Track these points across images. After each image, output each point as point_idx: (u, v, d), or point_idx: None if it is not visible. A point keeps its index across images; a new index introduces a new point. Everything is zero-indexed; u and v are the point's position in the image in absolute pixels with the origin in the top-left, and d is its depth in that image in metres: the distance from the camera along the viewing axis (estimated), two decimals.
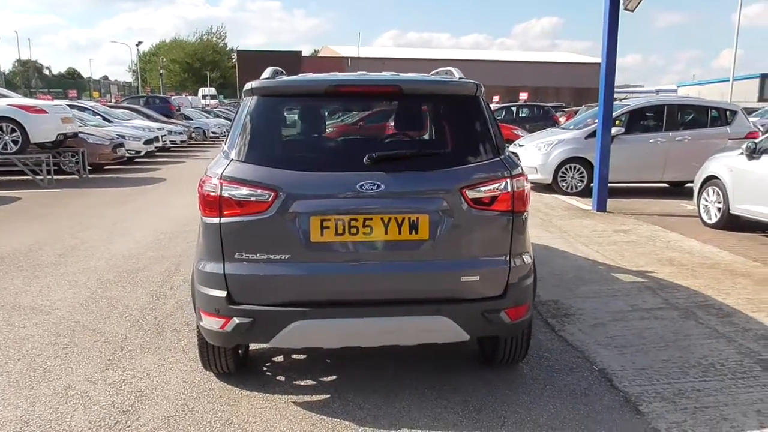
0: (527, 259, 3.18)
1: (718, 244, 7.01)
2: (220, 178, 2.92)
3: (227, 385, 3.41)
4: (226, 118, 35.01)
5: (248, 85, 3.12)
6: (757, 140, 7.43)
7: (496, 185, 3.01)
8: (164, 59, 73.46)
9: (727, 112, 11.55)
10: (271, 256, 2.92)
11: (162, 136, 19.72)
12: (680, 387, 3.40)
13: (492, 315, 3.05)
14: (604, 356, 3.83)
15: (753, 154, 7.32)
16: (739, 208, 7.51)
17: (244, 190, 2.90)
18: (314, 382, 3.47)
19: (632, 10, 8.56)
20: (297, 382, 3.46)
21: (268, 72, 3.40)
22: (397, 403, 3.23)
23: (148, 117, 22.66)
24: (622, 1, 8.39)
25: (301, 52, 79.61)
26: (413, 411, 3.15)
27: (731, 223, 7.71)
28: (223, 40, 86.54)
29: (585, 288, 5.25)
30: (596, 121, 10.33)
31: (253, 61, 70.26)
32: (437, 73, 3.65)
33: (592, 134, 10.38)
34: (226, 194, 2.91)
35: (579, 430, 2.98)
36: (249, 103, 3.09)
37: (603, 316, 4.55)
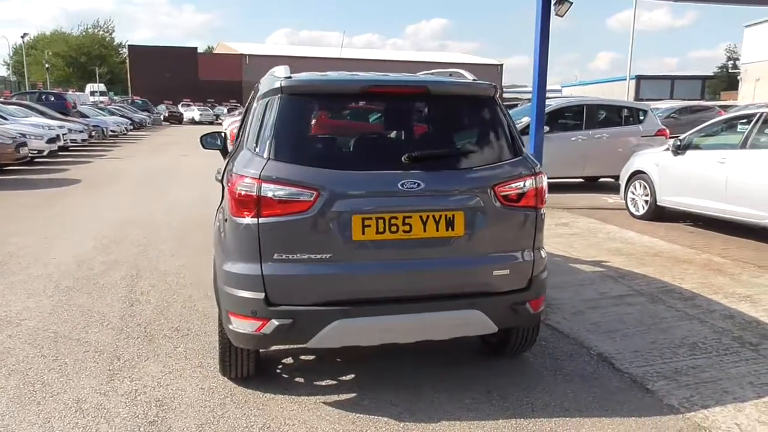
0: (544, 252, 3.33)
1: (652, 233, 7.58)
2: (259, 178, 2.84)
3: (248, 390, 3.32)
4: (122, 116, 33.29)
5: (276, 83, 3.05)
6: (682, 137, 8.09)
7: (524, 182, 3.14)
8: (49, 53, 68.47)
9: (639, 112, 12.47)
10: (312, 256, 2.88)
11: (63, 134, 18.47)
12: (675, 366, 3.69)
13: (519, 307, 3.18)
14: (597, 341, 4.06)
15: (678, 150, 7.96)
16: (665, 200, 8.15)
17: (286, 190, 2.84)
18: (335, 382, 3.45)
19: (561, 16, 9.04)
20: (318, 383, 3.43)
21: (283, 70, 3.33)
22: (426, 397, 3.28)
23: (43, 114, 21.10)
24: (553, 7, 8.82)
25: (196, 48, 77.08)
26: (444, 404, 3.22)
27: (658, 214, 8.35)
28: (110, 34, 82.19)
29: (553, 279, 5.49)
30: (522, 120, 10.84)
31: (146, 56, 67.25)
32: (450, 74, 3.72)
33: (522, 132, 10.85)
34: (266, 194, 2.84)
35: (603, 412, 3.16)
36: (278, 101, 3.01)
37: (579, 304, 4.82)
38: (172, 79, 66.85)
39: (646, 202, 8.50)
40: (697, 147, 7.88)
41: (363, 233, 2.90)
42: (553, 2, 8.75)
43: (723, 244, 6.97)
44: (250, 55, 74.28)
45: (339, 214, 2.88)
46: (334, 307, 2.90)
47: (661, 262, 6.11)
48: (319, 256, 2.88)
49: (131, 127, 33.40)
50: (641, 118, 12.29)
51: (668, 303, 4.82)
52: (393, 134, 3.19)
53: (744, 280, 5.52)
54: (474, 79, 3.49)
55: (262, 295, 2.89)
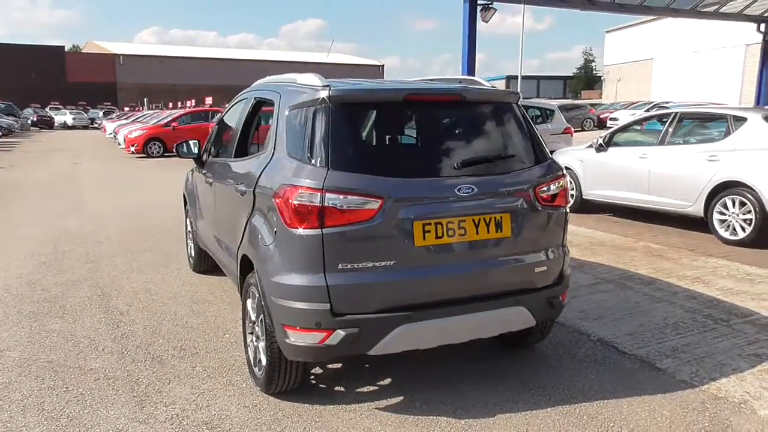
0: (567, 248, 3.56)
1: (585, 225, 8.16)
2: (322, 188, 2.81)
3: (293, 403, 3.26)
4: None
5: (320, 93, 3.02)
6: (602, 136, 8.77)
7: (557, 183, 3.34)
8: None
9: (547, 111, 13.30)
10: (377, 264, 2.89)
11: None
12: (670, 345, 4.05)
13: (554, 300, 3.38)
14: (592, 328, 4.37)
15: (601, 147, 8.62)
16: (590, 193, 8.81)
17: (351, 199, 2.83)
18: (375, 387, 3.47)
19: (486, 21, 9.49)
20: (360, 390, 3.43)
21: (314, 78, 3.30)
22: (469, 394, 3.38)
23: None
24: (479, 14, 9.24)
25: (63, 47, 71.86)
26: (490, 398, 3.34)
27: (583, 206, 8.99)
28: None
29: None
30: None
31: (6, 55, 61.42)
32: (459, 82, 3.81)
33: None
34: (331, 204, 2.81)
35: (631, 391, 3.42)
36: (327, 110, 2.98)
37: None
38: (38, 81, 61.84)
39: (572, 195, 9.10)
40: (617, 144, 8.58)
41: (424, 239, 2.96)
42: (479, 9, 9.17)
43: (650, 232, 7.65)
44: (124, 55, 70.32)
45: (402, 221, 2.91)
46: (397, 313, 2.93)
47: (609, 251, 6.62)
48: (383, 264, 2.90)
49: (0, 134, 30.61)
50: (549, 117, 13.12)
51: (635, 288, 5.26)
52: (438, 141, 3.26)
53: (686, 263, 6.12)
54: (492, 86, 3.65)
55: (327, 306, 2.86)
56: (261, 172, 3.29)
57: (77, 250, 6.71)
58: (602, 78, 51.87)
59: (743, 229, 6.84)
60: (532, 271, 3.27)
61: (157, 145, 20.49)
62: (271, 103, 3.69)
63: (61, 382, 3.49)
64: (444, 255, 3.03)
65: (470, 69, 9.44)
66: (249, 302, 3.47)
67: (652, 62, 39.97)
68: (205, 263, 5.63)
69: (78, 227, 8.02)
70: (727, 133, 7.14)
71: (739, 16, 12.38)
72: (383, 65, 78.03)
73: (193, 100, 32.08)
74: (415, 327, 2.97)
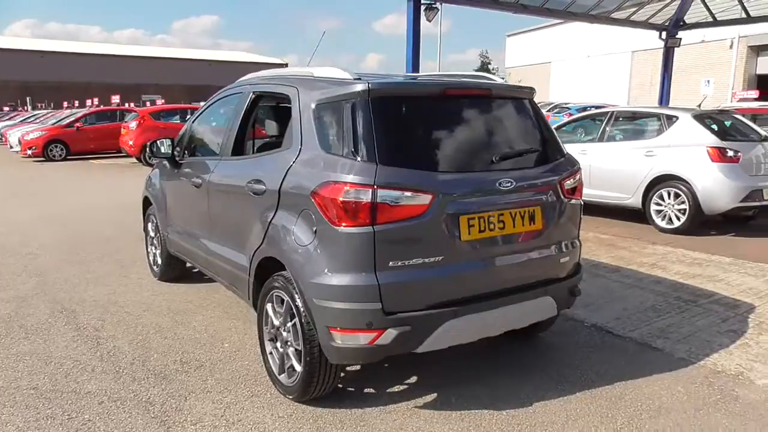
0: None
1: None
2: (373, 184, 2.74)
3: (329, 409, 3.15)
4: None
5: (356, 87, 2.93)
6: None
7: (577, 176, 3.46)
8: None
9: None
10: (426, 260, 2.86)
11: None
12: (657, 326, 4.30)
13: (574, 289, 3.50)
14: (583, 315, 4.55)
15: None
16: None
17: (404, 195, 2.78)
18: (405, 386, 3.42)
19: (430, 21, 9.63)
20: (391, 390, 3.37)
21: (340, 71, 3.21)
22: (498, 386, 3.41)
23: None
24: (423, 14, 9.36)
25: None
26: (519, 389, 3.38)
27: None
28: None
29: None
30: None
31: None
32: (474, 77, 3.84)
33: None
34: (382, 200, 2.75)
35: (643, 371, 3.58)
36: (367, 104, 2.90)
37: None
38: None
39: None
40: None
41: (469, 233, 2.96)
42: (422, 9, 9.28)
43: (594, 224, 8.06)
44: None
45: (450, 215, 2.90)
46: (445, 309, 2.92)
47: None
48: (432, 260, 2.87)
49: None
50: None
51: (606, 276, 5.53)
52: (476, 135, 3.25)
53: (638, 251, 6.52)
54: (506, 81, 3.70)
55: (378, 305, 2.79)
56: (287, 170, 3.15)
57: (11, 263, 6.10)
58: (504, 80, 54.02)
59: (678, 219, 7.38)
60: (558, 261, 3.36)
61: (59, 147, 19.07)
62: (282, 98, 3.54)
63: (59, 409, 3.16)
64: (486, 249, 3.05)
65: (414, 69, 9.53)
66: (270, 307, 3.31)
67: (550, 65, 42.15)
68: (173, 271, 5.31)
69: (0, 239, 7.30)
70: (661, 131, 7.68)
71: (646, 24, 13.35)
72: (287, 64, 76.90)
73: (96, 99, 30.03)
74: (461, 322, 2.96)
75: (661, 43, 13.72)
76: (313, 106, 3.17)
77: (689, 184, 7.23)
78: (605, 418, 3.07)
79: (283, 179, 3.15)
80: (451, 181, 2.94)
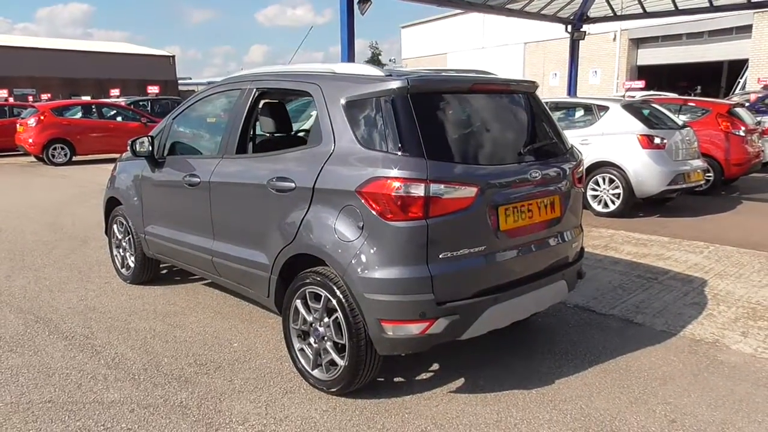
0: None
1: None
2: (427, 179, 2.83)
3: (370, 400, 3.22)
4: None
5: (392, 84, 3.00)
6: None
7: (582, 166, 3.72)
8: None
9: None
10: (471, 250, 3.00)
11: None
12: (631, 303, 4.70)
13: (581, 272, 3.77)
14: None
15: None
16: None
17: (454, 188, 2.90)
18: (432, 374, 3.55)
19: (363, 14, 9.67)
20: (419, 378, 3.49)
21: (367, 67, 3.27)
22: (520, 367, 3.62)
23: None
24: (357, 8, 9.38)
25: None
26: (538, 367, 3.61)
27: None
28: None
29: None
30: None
31: None
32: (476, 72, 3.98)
33: None
34: (435, 194, 2.85)
35: (634, 345, 3.91)
36: (406, 100, 2.98)
37: None
38: None
39: None
40: None
41: (506, 223, 3.12)
42: (356, 2, 9.30)
43: None
44: None
45: (491, 207, 3.05)
46: (487, 297, 3.07)
47: None
48: (476, 249, 3.01)
49: None
50: None
51: None
52: (504, 128, 3.41)
53: (585, 234, 6.97)
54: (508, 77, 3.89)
55: (431, 296, 2.90)
56: (321, 167, 3.16)
57: None
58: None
59: (613, 203, 7.98)
60: (571, 246, 3.61)
61: None
62: (300, 94, 3.54)
63: (90, 421, 3.02)
64: (519, 237, 3.23)
65: (350, 60, 9.55)
66: (301, 303, 3.32)
67: (446, 56, 43.31)
68: (147, 274, 5.10)
69: None
70: (594, 120, 8.24)
71: (554, 18, 14.17)
72: (173, 56, 73.45)
73: None
74: (500, 307, 3.13)
75: (551, 35, 14.57)
76: (342, 102, 3.19)
77: (622, 170, 7.83)
78: (623, 389, 3.35)
79: (318, 176, 3.16)
80: (491, 173, 3.09)
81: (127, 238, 5.10)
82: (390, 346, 2.99)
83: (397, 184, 2.84)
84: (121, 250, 5.25)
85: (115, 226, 5.27)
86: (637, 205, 8.30)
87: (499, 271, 3.16)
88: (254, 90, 3.82)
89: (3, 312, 4.55)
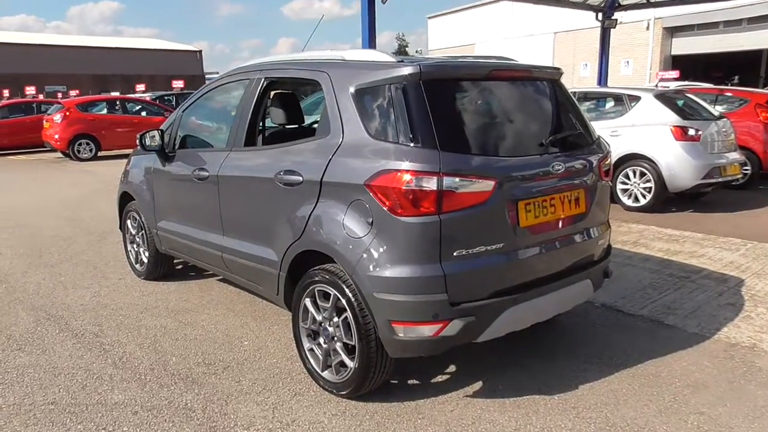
0: None
1: None
2: (439, 172, 2.65)
3: (382, 404, 3.06)
4: None
5: (404, 70, 2.82)
6: None
7: (609, 158, 3.49)
8: None
9: None
10: (489, 248, 2.81)
11: None
12: (661, 303, 4.45)
13: (607, 271, 3.55)
14: None
15: None
16: None
17: (468, 182, 2.71)
18: (447, 376, 3.38)
19: (384, 3, 9.49)
20: (435, 381, 3.32)
21: (379, 53, 3.09)
22: (540, 370, 3.42)
23: None
24: None
25: None
26: (560, 371, 3.41)
27: None
28: None
29: None
30: None
31: None
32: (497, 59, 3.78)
33: None
34: (448, 188, 2.66)
35: (665, 349, 3.68)
36: (418, 88, 2.80)
37: None
38: None
39: None
40: None
41: (527, 218, 2.93)
42: None
43: None
44: None
45: (509, 201, 2.86)
46: (505, 297, 2.88)
47: None
48: (494, 247, 2.83)
49: None
50: None
51: None
52: (524, 118, 3.21)
53: (614, 229, 6.61)
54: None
55: (444, 296, 2.72)
56: (329, 159, 3.00)
57: None
58: None
59: (644, 197, 7.67)
60: (596, 243, 3.40)
61: None
62: (309, 83, 3.38)
63: (92, 423, 2.92)
64: (541, 234, 3.03)
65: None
66: (310, 302, 3.18)
67: (473, 47, 42.80)
68: (160, 269, 5.02)
69: None
70: (625, 111, 7.93)
71: (584, 5, 13.79)
72: (200, 51, 74.09)
73: (7, 91, 27.94)
74: (520, 309, 2.94)
75: (582, 25, 14.16)
76: (351, 90, 3.03)
77: (654, 162, 7.52)
78: (652, 396, 3.13)
79: (326, 169, 3.00)
80: (510, 165, 2.89)
81: (140, 234, 5.02)
82: (401, 349, 2.83)
83: (407, 177, 2.67)
84: (135, 246, 5.18)
85: (128, 222, 5.20)
86: (669, 200, 7.97)
87: (519, 270, 2.97)
88: (262, 80, 3.68)
89: (15, 309, 4.50)
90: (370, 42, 9.30)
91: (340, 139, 3.00)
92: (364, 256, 2.80)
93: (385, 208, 2.72)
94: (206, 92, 4.33)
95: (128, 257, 5.34)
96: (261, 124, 3.83)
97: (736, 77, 26.24)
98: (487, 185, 2.76)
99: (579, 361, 3.52)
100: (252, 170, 3.54)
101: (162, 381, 3.33)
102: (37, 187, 11.43)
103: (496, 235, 2.83)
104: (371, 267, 2.77)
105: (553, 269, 3.14)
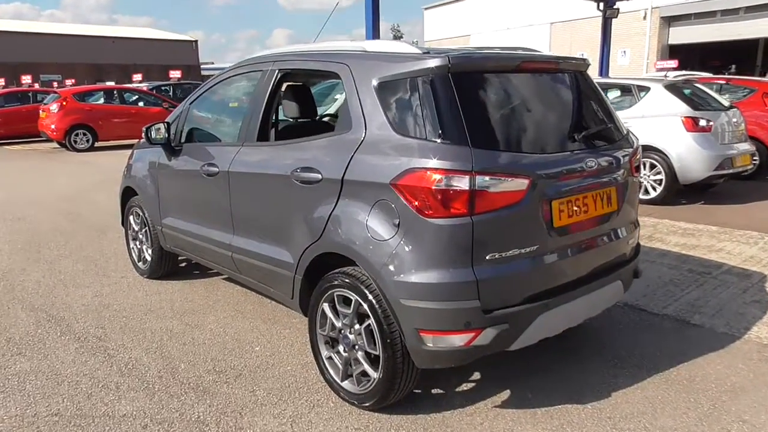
0: None
1: None
2: (472, 170, 2.47)
3: (406, 416, 2.90)
4: None
5: (431, 62, 2.63)
6: None
7: (639, 153, 3.32)
8: None
9: None
10: (522, 250, 2.64)
11: None
12: (685, 301, 4.30)
13: (637, 270, 3.39)
14: None
15: None
16: None
17: (502, 180, 2.54)
18: (472, 384, 3.22)
19: None
20: (459, 390, 3.16)
21: (408, 45, 2.91)
22: (569, 376, 3.28)
23: None
24: None
25: None
26: (588, 377, 3.26)
27: None
28: None
29: None
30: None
31: None
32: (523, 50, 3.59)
33: None
34: (481, 187, 2.49)
35: (696, 350, 3.53)
36: (446, 80, 2.61)
37: None
38: None
39: None
40: None
41: (560, 219, 2.76)
42: None
43: None
44: None
45: (543, 201, 2.69)
46: (538, 303, 2.72)
47: None
48: (527, 250, 2.66)
49: None
50: None
51: None
52: (556, 112, 3.03)
53: None
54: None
55: (476, 303, 2.55)
56: (351, 156, 2.82)
57: None
58: None
59: (654, 189, 7.52)
60: (627, 243, 3.24)
61: None
62: (327, 75, 3.20)
63: None
64: (574, 235, 2.87)
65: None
66: (329, 307, 3.00)
67: (469, 38, 42.46)
68: (164, 268, 4.83)
69: None
70: (634, 102, 7.76)
71: None
72: (196, 41, 73.35)
73: (2, 80, 27.52)
74: (552, 314, 2.78)
75: (579, 15, 13.97)
76: (374, 83, 2.84)
77: (665, 154, 7.36)
78: (690, 403, 2.98)
79: (347, 166, 2.82)
80: (544, 162, 2.72)
81: (143, 230, 4.83)
82: (430, 359, 2.66)
83: (437, 176, 2.49)
84: (137, 243, 4.99)
85: (131, 218, 5.00)
86: (679, 192, 7.82)
87: (552, 273, 2.80)
88: (276, 71, 3.48)
89: (15, 309, 4.31)
90: (374, 30, 9.08)
91: (363, 135, 2.82)
92: (390, 260, 2.62)
93: (412, 209, 2.55)
94: (216, 83, 4.12)
95: (130, 255, 5.15)
96: (274, 117, 3.62)
97: (733, 66, 26.10)
98: (521, 184, 2.58)
99: (608, 366, 3.37)
100: (266, 166, 3.35)
101: (171, 390, 3.16)
102: (34, 178, 11.19)
103: (529, 236, 2.67)
104: (398, 272, 2.60)
105: (585, 271, 2.98)
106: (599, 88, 3.34)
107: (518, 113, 2.85)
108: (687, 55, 26.70)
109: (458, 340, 2.58)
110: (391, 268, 2.62)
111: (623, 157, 3.13)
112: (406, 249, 2.58)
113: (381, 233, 2.66)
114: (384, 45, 3.00)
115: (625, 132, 3.31)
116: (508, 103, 2.83)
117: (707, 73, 17.49)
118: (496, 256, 2.57)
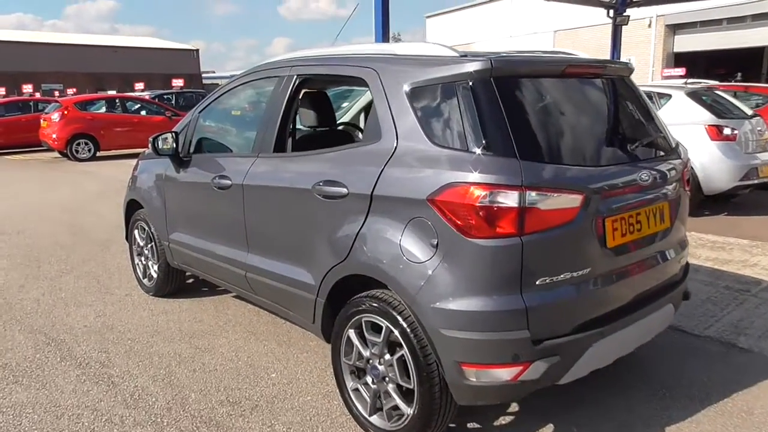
0: None
1: None
2: (521, 186, 2.21)
3: None
4: None
5: (471, 66, 2.38)
6: None
7: (690, 166, 3.07)
8: None
9: None
10: (574, 274, 2.38)
11: None
12: (726, 321, 4.02)
13: (687, 292, 3.12)
14: None
15: None
16: None
17: (554, 197, 2.27)
18: (511, 417, 2.95)
19: None
20: (497, 424, 2.90)
21: (444, 48, 2.65)
22: (614, 407, 3.01)
23: None
24: None
25: None
26: (635, 408, 2.99)
27: None
28: None
29: None
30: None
31: None
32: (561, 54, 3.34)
33: None
34: (532, 204, 2.23)
35: (750, 378, 3.27)
36: (489, 86, 2.36)
37: None
38: None
39: None
40: None
41: (614, 238, 2.50)
42: None
43: None
44: None
45: (597, 219, 2.43)
46: (592, 331, 2.45)
47: None
48: (580, 273, 2.39)
49: None
50: None
51: None
52: (607, 121, 2.79)
53: None
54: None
55: (526, 334, 2.28)
56: (382, 169, 2.56)
57: None
58: None
59: None
60: (678, 263, 2.98)
61: None
62: (352, 81, 2.95)
63: None
64: (627, 255, 2.60)
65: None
66: (355, 334, 2.74)
67: (471, 46, 42.42)
68: (171, 285, 4.57)
69: None
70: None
71: (596, 2, 13.34)
72: (197, 50, 73.42)
73: (3, 89, 27.38)
74: (605, 343, 2.51)
75: (582, 23, 13.76)
76: (406, 89, 2.58)
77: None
78: None
79: (377, 180, 2.56)
80: (596, 176, 2.46)
81: (149, 246, 4.57)
82: (472, 395, 2.39)
83: (481, 192, 2.23)
84: (143, 259, 4.72)
85: (136, 232, 4.74)
86: (701, 202, 7.55)
87: (605, 298, 2.54)
88: (294, 77, 3.23)
89: (12, 331, 4.05)
90: (384, 37, 8.85)
91: (394, 146, 2.56)
92: (428, 284, 2.35)
93: (453, 228, 2.28)
94: (227, 91, 3.86)
95: (135, 271, 4.89)
96: (292, 126, 3.37)
97: (739, 74, 25.88)
98: (575, 200, 2.32)
99: (657, 396, 3.10)
100: (284, 180, 3.09)
101: (182, 425, 2.88)
102: (36, 188, 10.94)
103: (583, 258, 2.40)
104: (436, 298, 2.33)
105: (637, 294, 2.71)
106: (645, 96, 3.08)
107: (565, 122, 2.59)
108: (691, 63, 26.50)
109: (505, 374, 2.31)
110: (429, 293, 2.35)
111: (675, 169, 2.87)
112: (446, 272, 2.32)
113: (417, 255, 2.40)
114: (416, 47, 2.75)
115: (675, 143, 3.05)
116: (554, 110, 2.57)
117: (714, 81, 17.26)
118: (547, 280, 2.31)
